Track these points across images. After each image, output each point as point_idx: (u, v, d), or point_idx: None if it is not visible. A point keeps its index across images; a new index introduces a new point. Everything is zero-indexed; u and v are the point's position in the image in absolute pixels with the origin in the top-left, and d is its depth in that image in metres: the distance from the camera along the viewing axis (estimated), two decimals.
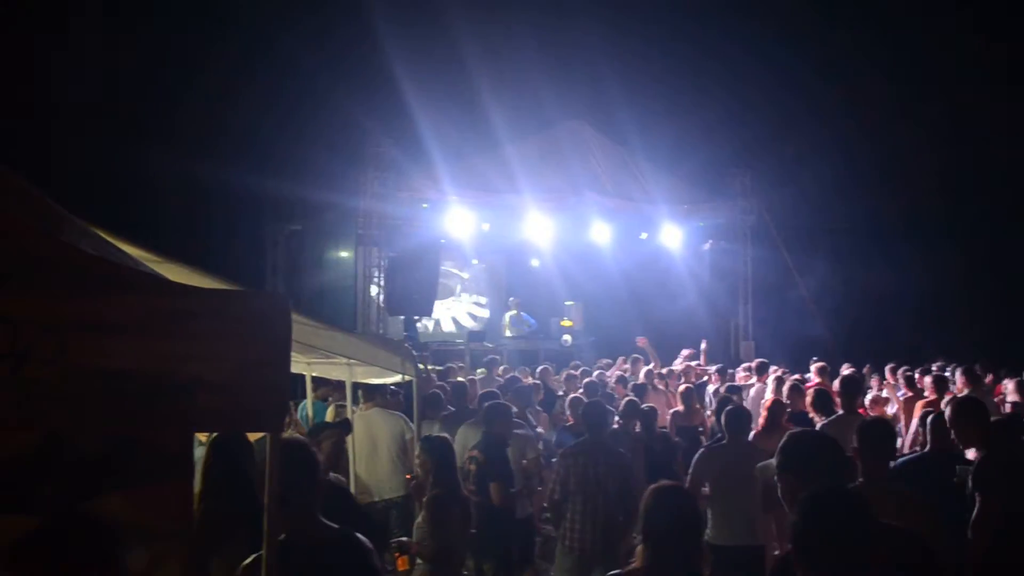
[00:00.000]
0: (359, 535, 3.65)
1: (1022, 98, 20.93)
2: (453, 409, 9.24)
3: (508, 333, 18.91)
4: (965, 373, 10.73)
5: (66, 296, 2.51)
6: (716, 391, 11.26)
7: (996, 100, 21.36)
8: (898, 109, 22.62)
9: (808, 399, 8.32)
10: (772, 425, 7.84)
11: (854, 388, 7.91)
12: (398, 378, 8.26)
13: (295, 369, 8.23)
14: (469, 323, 21.26)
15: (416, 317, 17.67)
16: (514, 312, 19.03)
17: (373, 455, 8.01)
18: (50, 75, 15.56)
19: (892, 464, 5.03)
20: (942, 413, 6.31)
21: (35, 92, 15.09)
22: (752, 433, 7.70)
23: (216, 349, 2.63)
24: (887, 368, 12.58)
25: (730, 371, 13.47)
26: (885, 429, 4.93)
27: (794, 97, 22.33)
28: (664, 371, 13.24)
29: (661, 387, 12.16)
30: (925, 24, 21.52)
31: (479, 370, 13.41)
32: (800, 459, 3.70)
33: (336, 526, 3.66)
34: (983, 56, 21.17)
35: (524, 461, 7.47)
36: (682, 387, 11.23)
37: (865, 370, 13.85)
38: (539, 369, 13.34)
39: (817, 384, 10.59)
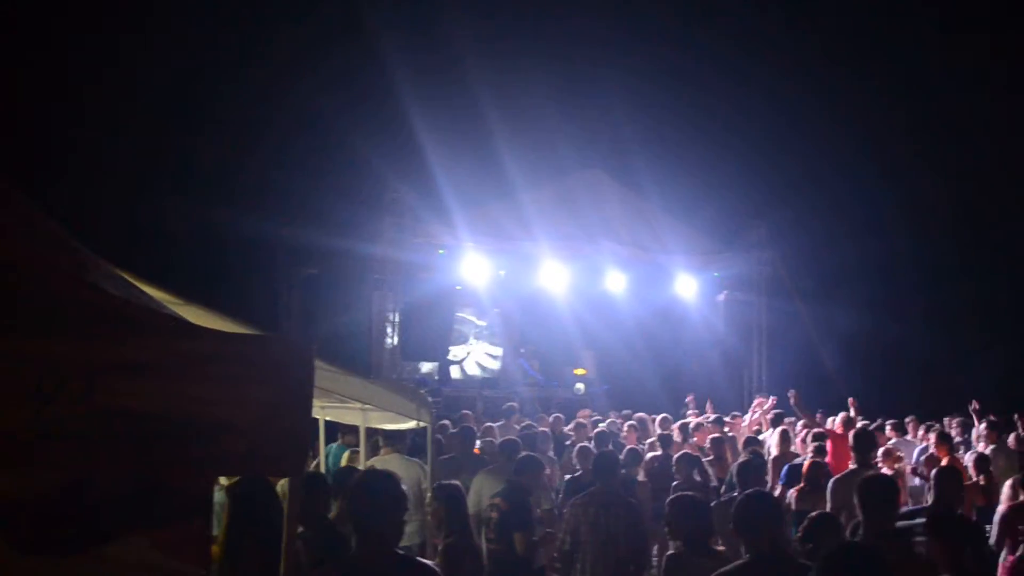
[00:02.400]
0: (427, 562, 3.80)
1: None
2: (452, 454, 9.23)
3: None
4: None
5: (92, 338, 2.53)
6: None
7: (1015, 148, 21.42)
8: (916, 159, 22.71)
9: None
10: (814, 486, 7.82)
11: (867, 442, 7.76)
12: (412, 424, 8.25)
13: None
14: (482, 369, 21.22)
15: (432, 363, 17.71)
16: (516, 359, 19.11)
17: None
18: (75, 123, 15.78)
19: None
20: (951, 468, 6.35)
21: (61, 140, 15.32)
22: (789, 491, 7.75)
23: (239, 393, 2.64)
24: (907, 421, 12.54)
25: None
26: (885, 486, 4.94)
27: (811, 148, 22.46)
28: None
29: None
30: (937, 73, 21.68)
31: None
32: None
33: (407, 556, 3.98)
34: (1002, 105, 21.26)
35: (539, 511, 7.43)
36: (712, 435, 11.13)
37: (879, 422, 13.80)
38: (551, 418, 13.29)
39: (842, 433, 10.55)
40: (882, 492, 4.73)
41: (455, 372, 20.74)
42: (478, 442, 9.82)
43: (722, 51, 22.48)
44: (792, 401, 12.02)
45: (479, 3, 20.80)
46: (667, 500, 5.76)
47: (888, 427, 12.42)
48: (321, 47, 19.58)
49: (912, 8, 21.85)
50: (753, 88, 22.46)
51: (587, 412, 14.44)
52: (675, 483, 8.44)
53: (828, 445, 9.79)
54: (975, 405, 11.98)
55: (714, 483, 9.29)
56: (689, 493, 6.07)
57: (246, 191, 17.90)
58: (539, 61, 20.51)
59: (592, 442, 10.08)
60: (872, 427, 12.07)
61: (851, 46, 22.68)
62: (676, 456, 9.27)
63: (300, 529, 4.95)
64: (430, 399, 12.46)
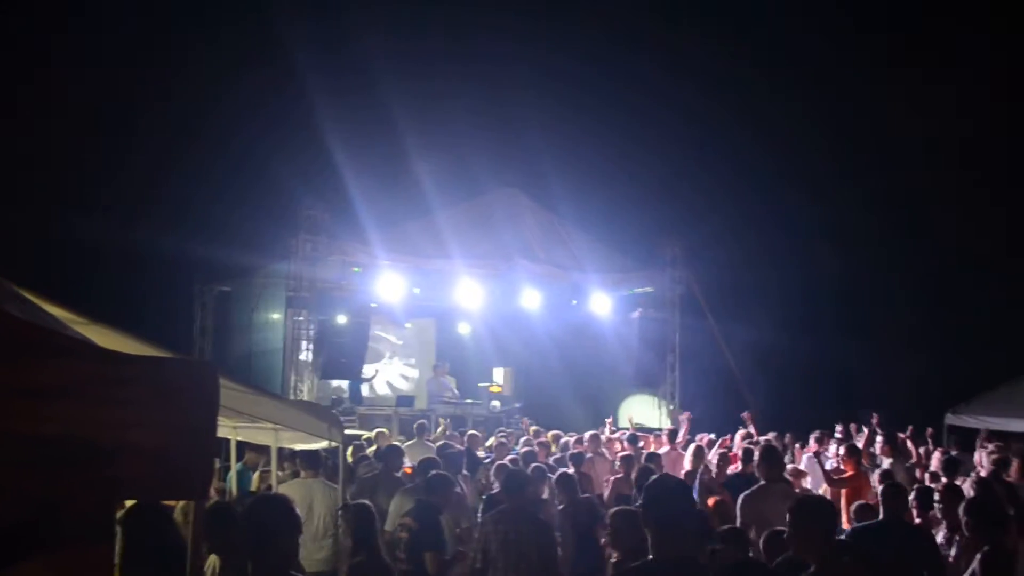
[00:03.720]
0: None
1: (946, 165, 21.73)
2: (374, 473, 9.20)
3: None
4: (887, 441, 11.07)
5: None
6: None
7: (929, 167, 22.11)
8: (829, 178, 23.30)
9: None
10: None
11: (773, 457, 7.67)
12: (324, 444, 8.21)
13: (220, 433, 8.16)
14: (397, 387, 21.19)
15: (347, 381, 17.62)
16: (432, 376, 19.11)
17: (307, 525, 7.91)
18: None
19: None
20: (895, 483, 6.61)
21: None
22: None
23: (145, 416, 2.63)
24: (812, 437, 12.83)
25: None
26: (819, 506, 5.06)
27: (725, 167, 22.92)
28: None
29: (605, 453, 12.28)
30: (850, 92, 22.28)
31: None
32: None
33: None
34: (914, 124, 21.89)
35: (458, 530, 7.45)
36: (622, 453, 11.29)
37: (787, 439, 14.13)
38: (467, 435, 13.30)
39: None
40: (815, 512, 4.80)
41: (371, 390, 20.66)
42: (407, 460, 9.76)
43: (638, 71, 22.83)
44: (749, 419, 12.40)
45: (395, 24, 20.85)
46: (610, 512, 5.82)
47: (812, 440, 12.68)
48: (237, 66, 19.45)
49: (829, 28, 22.44)
50: (668, 108, 22.81)
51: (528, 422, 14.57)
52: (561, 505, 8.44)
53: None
54: (875, 419, 12.34)
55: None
56: (630, 508, 6.04)
57: (159, 208, 17.69)
58: (455, 81, 20.67)
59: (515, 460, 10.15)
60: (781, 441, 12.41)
61: (767, 66, 23.19)
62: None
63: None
64: (343, 418, 12.44)
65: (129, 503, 4.60)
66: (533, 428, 15.37)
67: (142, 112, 18.13)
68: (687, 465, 10.74)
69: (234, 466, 8.84)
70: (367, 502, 6.33)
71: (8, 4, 16.46)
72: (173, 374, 2.79)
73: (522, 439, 13.16)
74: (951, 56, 21.72)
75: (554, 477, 8.74)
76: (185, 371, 2.82)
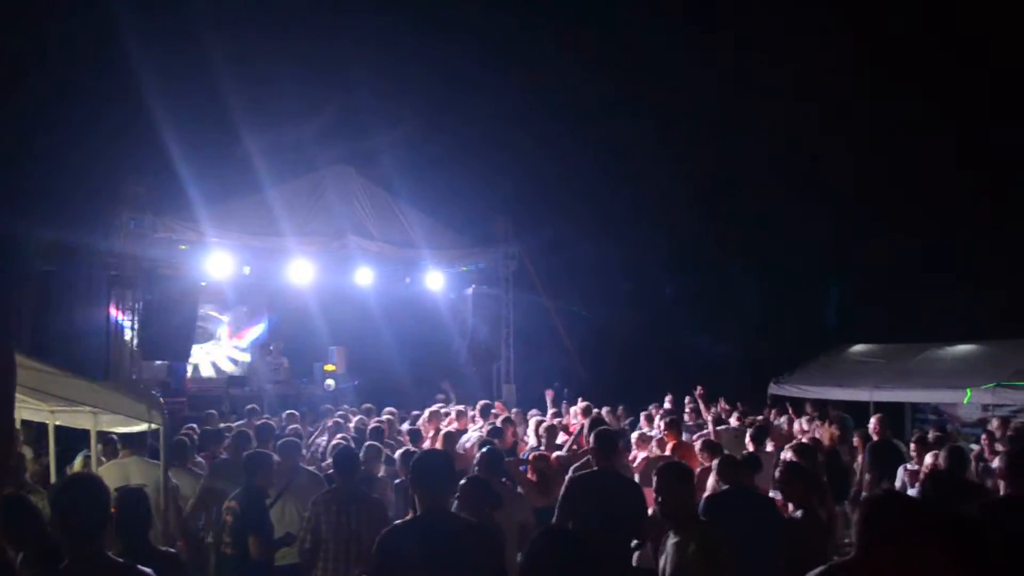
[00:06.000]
0: (144, 568, 3.74)
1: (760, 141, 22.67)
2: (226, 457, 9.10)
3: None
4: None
5: None
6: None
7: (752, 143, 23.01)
8: (658, 157, 23.95)
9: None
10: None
11: (608, 442, 7.10)
12: (145, 426, 8.04)
13: (37, 418, 7.91)
14: (230, 368, 20.85)
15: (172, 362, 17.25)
16: (263, 356, 18.93)
17: None
18: None
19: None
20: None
21: None
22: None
23: None
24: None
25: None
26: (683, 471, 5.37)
27: (555, 145, 23.25)
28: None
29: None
30: (675, 73, 22.94)
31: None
32: None
33: (122, 561, 3.77)
34: (737, 104, 22.73)
35: (307, 513, 7.40)
36: (445, 430, 11.36)
37: (619, 411, 14.55)
38: (285, 414, 13.06)
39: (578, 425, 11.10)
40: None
41: (204, 371, 20.28)
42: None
43: (469, 47, 22.93)
44: (698, 393, 12.70)
45: None
46: (460, 483, 5.98)
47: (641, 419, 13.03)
48: (57, 35, 18.61)
49: (654, 7, 22.97)
50: (498, 85, 23.04)
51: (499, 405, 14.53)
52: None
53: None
54: (700, 390, 12.85)
55: None
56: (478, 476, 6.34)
57: None
58: (285, 54, 20.31)
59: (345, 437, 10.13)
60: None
61: (593, 45, 23.61)
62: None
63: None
64: (172, 399, 12.20)
65: None
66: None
67: None
68: (533, 438, 10.97)
69: (52, 451, 8.53)
70: (139, 486, 6.06)
71: None
72: None
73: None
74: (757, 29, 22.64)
75: (397, 454, 8.83)
76: None
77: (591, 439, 7.31)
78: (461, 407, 14.02)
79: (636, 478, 8.60)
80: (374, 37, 21.37)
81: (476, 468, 7.32)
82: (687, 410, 13.65)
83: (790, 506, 6.46)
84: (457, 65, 22.52)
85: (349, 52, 20.67)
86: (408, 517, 4.91)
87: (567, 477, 7.15)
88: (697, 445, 9.74)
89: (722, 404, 14.52)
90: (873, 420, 11.37)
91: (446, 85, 22.42)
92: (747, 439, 9.84)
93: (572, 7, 22.57)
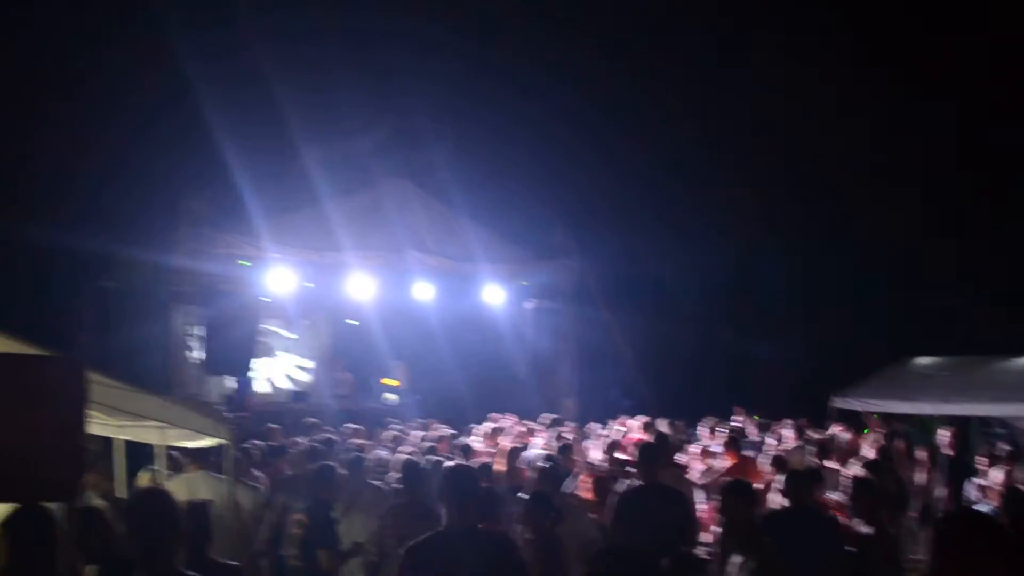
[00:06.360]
0: None
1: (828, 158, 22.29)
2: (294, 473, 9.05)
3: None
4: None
5: None
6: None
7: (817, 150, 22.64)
8: (718, 169, 23.71)
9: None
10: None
11: (650, 455, 7.19)
12: (210, 441, 7.98)
13: (104, 432, 7.87)
14: (290, 384, 20.89)
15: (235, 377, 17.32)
16: (326, 371, 18.98)
17: None
18: None
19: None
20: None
21: None
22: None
23: (7, 416, 2.49)
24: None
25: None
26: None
27: (616, 158, 23.08)
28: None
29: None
30: (738, 83, 22.68)
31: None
32: None
33: (192, 574, 3.79)
34: (798, 110, 22.38)
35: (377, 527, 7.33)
36: (508, 446, 11.21)
37: (678, 424, 14.33)
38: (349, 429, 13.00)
39: (640, 439, 10.89)
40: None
41: (264, 386, 20.33)
42: None
43: (529, 60, 22.84)
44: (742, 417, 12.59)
45: (281, 11, 20.46)
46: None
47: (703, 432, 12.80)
48: (116, 52, 18.83)
49: (717, 25, 22.77)
50: (558, 98, 22.91)
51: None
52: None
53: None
54: (739, 410, 12.68)
55: None
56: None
57: (36, 199, 17.03)
58: (344, 69, 20.34)
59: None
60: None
61: (657, 60, 23.41)
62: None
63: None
64: (233, 415, 12.18)
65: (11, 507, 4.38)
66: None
67: (21, 100, 17.44)
68: (596, 455, 10.83)
69: (122, 466, 8.49)
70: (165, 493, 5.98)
71: None
72: (35, 372, 2.66)
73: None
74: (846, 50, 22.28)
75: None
76: (49, 369, 2.69)
77: (636, 453, 7.39)
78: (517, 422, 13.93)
79: (699, 492, 8.47)
80: (432, 47, 21.35)
81: (538, 483, 7.19)
82: (749, 424, 13.45)
83: (857, 521, 6.28)
84: (517, 75, 22.45)
85: (406, 64, 20.63)
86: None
87: (613, 494, 7.16)
88: (763, 460, 9.58)
89: (782, 423, 14.24)
90: (946, 434, 11.09)
91: (505, 96, 22.30)
92: (809, 454, 9.65)
93: (641, 14, 22.40)
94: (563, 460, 9.38)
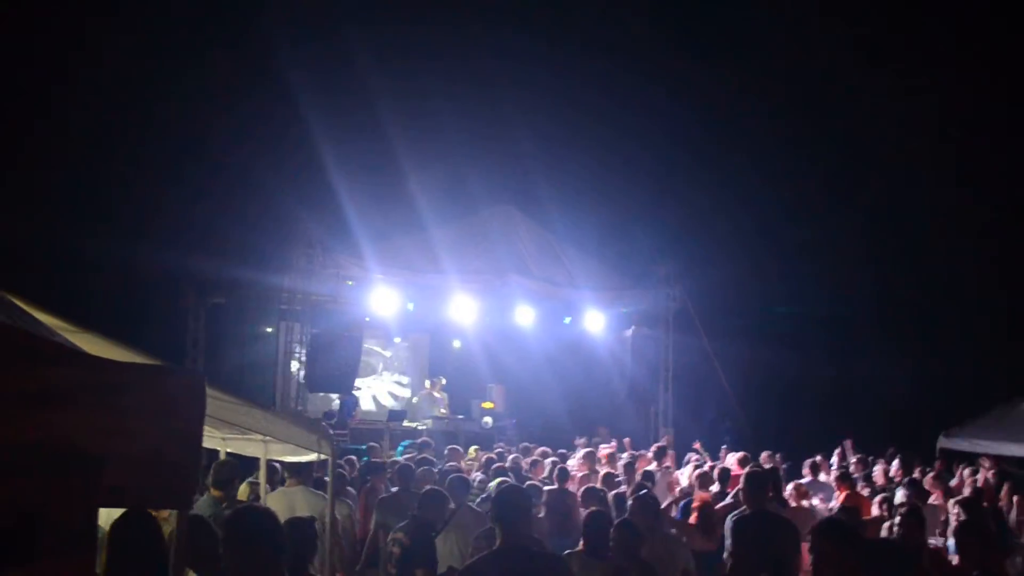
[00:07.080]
0: None
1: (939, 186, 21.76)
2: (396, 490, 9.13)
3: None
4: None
5: None
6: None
7: (925, 185, 22.14)
8: (820, 195, 23.33)
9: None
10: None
11: (757, 483, 7.15)
12: (313, 456, 8.15)
13: (209, 444, 8.11)
14: (390, 402, 21.14)
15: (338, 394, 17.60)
16: (425, 391, 19.12)
17: None
18: None
19: None
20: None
21: None
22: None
23: (133, 424, 2.61)
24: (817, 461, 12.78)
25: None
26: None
27: (718, 188, 22.91)
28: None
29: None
30: (839, 108, 22.31)
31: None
32: None
33: None
34: (898, 138, 21.93)
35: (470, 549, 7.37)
36: (604, 471, 11.18)
37: (776, 458, 14.07)
38: (447, 450, 13.07)
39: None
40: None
41: (364, 404, 20.60)
42: None
43: (632, 88, 22.86)
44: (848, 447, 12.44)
45: (390, 40, 20.89)
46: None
47: (805, 467, 12.54)
48: (235, 84, 19.48)
49: (822, 46, 22.47)
50: (661, 125, 22.85)
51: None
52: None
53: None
54: (848, 443, 12.37)
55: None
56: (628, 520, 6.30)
57: (154, 221, 17.66)
58: (450, 98, 20.66)
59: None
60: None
61: (760, 84, 23.23)
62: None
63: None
64: (334, 431, 12.39)
65: (118, 511, 4.56)
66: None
67: (144, 130, 18.17)
68: (686, 480, 10.78)
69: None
70: (306, 516, 6.08)
71: (19, 22, 16.47)
72: (162, 382, 2.78)
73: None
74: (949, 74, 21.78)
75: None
76: (174, 380, 2.81)
77: (741, 481, 7.41)
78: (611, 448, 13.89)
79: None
80: (538, 76, 21.54)
81: (630, 512, 7.17)
82: (853, 460, 13.14)
83: (959, 559, 6.12)
84: (621, 106, 22.49)
85: (513, 93, 20.85)
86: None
87: (727, 521, 7.07)
88: (875, 499, 9.39)
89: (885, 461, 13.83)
90: None
91: (609, 125, 22.37)
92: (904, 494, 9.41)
93: (749, 42, 22.27)
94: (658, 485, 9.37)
